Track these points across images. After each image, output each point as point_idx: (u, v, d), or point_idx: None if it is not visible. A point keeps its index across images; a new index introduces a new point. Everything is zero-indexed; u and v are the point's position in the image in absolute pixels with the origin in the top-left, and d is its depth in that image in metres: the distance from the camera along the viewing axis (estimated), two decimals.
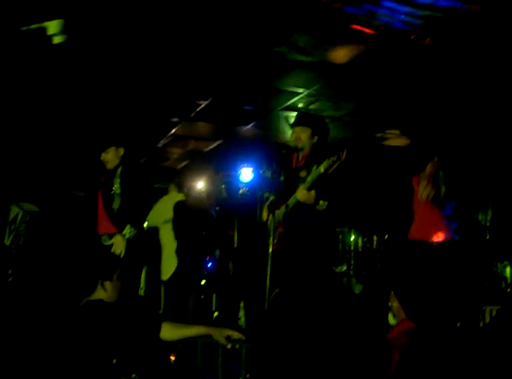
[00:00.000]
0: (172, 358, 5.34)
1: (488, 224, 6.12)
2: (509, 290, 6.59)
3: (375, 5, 4.74)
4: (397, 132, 4.27)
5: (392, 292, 2.56)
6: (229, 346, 3.19)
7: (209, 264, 7.42)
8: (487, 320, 4.68)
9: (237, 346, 4.37)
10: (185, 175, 7.21)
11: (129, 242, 4.79)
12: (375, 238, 7.98)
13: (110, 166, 5.02)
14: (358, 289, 7.35)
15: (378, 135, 4.23)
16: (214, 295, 7.26)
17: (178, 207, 6.30)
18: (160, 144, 9.16)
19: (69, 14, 4.83)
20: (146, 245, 5.78)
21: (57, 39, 4.90)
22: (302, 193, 4.17)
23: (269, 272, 3.99)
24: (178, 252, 6.18)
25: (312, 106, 7.27)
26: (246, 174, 8.62)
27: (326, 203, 4.18)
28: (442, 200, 4.67)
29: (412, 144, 5.42)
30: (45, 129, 7.93)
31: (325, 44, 5.54)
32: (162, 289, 6.66)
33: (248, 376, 4.15)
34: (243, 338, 3.15)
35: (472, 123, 6.81)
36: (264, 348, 3.77)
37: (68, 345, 3.13)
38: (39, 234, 5.87)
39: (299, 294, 4.15)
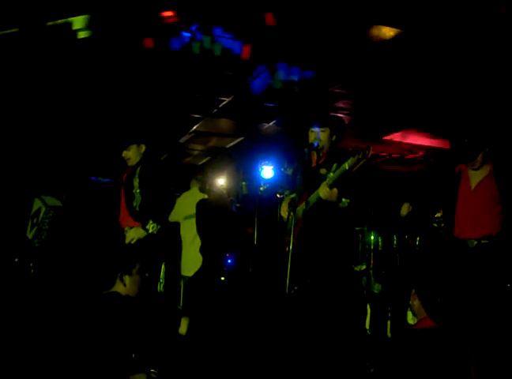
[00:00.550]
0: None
1: None
2: None
3: None
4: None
5: (413, 290, 2.54)
6: None
7: (229, 261, 7.42)
8: None
9: None
10: (206, 172, 7.21)
11: (151, 237, 4.82)
12: (395, 237, 7.93)
13: (131, 163, 5.04)
14: (377, 288, 7.31)
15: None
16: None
17: (201, 205, 6.31)
18: (181, 141, 9.20)
19: (94, 9, 4.87)
20: (166, 240, 5.81)
21: (82, 35, 4.95)
22: (325, 190, 4.15)
23: (288, 270, 3.99)
24: (202, 249, 6.20)
25: None
26: (267, 171, 8.61)
27: (348, 201, 4.17)
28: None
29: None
30: (69, 124, 8.01)
31: None
32: (182, 284, 6.69)
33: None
34: None
35: None
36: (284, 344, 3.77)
37: (86, 338, 3.15)
38: (62, 230, 5.91)
39: (319, 292, 4.15)
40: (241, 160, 9.12)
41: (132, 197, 4.95)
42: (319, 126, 4.45)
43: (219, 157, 9.49)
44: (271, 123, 8.25)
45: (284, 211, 4.57)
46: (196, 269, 6.19)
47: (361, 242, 8.41)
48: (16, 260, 5.83)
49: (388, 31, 5.34)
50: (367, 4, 4.94)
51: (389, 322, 6.53)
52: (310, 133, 4.48)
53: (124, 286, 3.38)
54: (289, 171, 4.55)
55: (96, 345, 3.10)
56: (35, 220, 5.85)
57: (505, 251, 4.14)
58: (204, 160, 10.38)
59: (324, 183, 4.17)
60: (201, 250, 6.19)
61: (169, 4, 5.05)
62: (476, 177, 4.39)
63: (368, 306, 6.89)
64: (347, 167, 4.05)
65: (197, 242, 6.24)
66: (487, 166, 4.36)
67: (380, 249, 8.10)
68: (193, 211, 6.32)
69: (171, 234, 6.34)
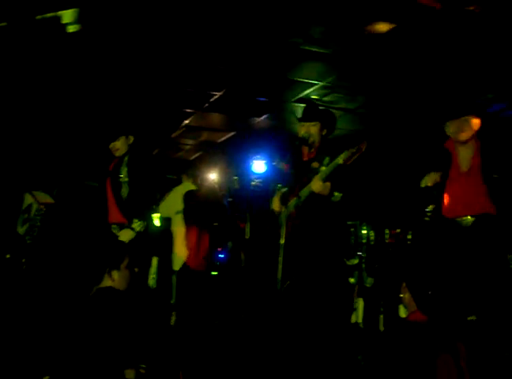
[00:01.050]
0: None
1: None
2: None
3: None
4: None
5: (403, 284, 2.53)
6: None
7: (221, 256, 7.43)
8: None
9: None
10: (198, 166, 7.19)
11: (138, 233, 4.81)
12: (387, 231, 7.95)
13: (118, 153, 5.02)
14: (369, 282, 7.33)
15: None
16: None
17: (188, 196, 6.29)
18: (172, 135, 9.17)
19: (84, 4, 4.83)
20: (158, 235, 5.79)
21: (71, 29, 4.90)
22: (317, 184, 4.13)
23: (280, 264, 3.98)
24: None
25: (326, 99, 7.25)
26: (259, 165, 8.61)
27: (341, 195, 4.15)
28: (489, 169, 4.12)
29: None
30: (59, 118, 7.96)
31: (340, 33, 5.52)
32: (174, 279, 6.67)
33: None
34: None
35: None
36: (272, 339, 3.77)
37: (77, 333, 3.13)
38: (54, 227, 5.88)
39: (310, 286, 4.14)
40: (233, 155, 9.12)
41: (119, 186, 4.92)
42: (309, 120, 4.43)
43: (211, 152, 9.47)
44: (262, 117, 8.24)
45: (275, 205, 4.56)
46: (182, 263, 6.19)
47: (353, 237, 8.43)
48: (8, 256, 5.80)
49: (382, 27, 5.35)
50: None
51: (381, 316, 6.55)
52: (300, 126, 4.46)
53: (113, 281, 3.36)
54: (281, 165, 4.52)
55: (86, 340, 3.09)
56: (26, 216, 5.81)
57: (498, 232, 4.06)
58: (195, 155, 10.35)
59: (317, 177, 4.15)
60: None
61: None
62: (465, 154, 4.26)
63: (361, 300, 6.90)
64: (340, 162, 4.03)
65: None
66: (476, 142, 4.24)
67: (372, 243, 8.12)
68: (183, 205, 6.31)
69: (163, 229, 6.33)
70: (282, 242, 4.06)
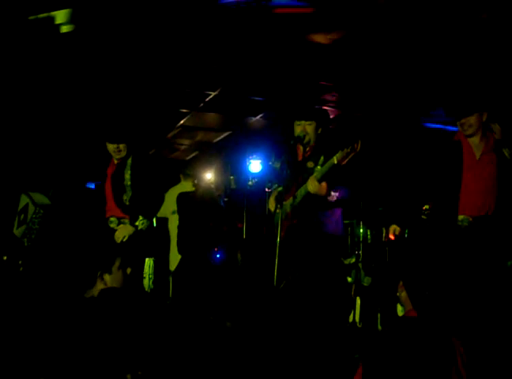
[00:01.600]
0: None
1: None
2: None
3: None
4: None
5: (400, 282, 2.52)
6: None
7: (218, 256, 7.40)
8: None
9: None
10: (193, 166, 7.18)
11: (138, 233, 4.76)
12: (384, 230, 7.93)
13: (121, 155, 4.94)
14: (367, 281, 7.32)
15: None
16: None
17: (182, 197, 6.28)
18: (168, 135, 9.16)
19: (78, 4, 4.82)
20: (155, 236, 5.76)
21: (65, 29, 4.89)
22: (313, 184, 4.12)
23: (276, 264, 3.97)
24: (186, 243, 6.17)
25: None
26: (255, 165, 8.59)
27: (337, 194, 4.13)
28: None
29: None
30: (53, 119, 7.94)
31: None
32: (170, 280, 6.66)
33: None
34: None
35: None
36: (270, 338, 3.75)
37: (71, 338, 3.10)
38: (53, 229, 5.83)
39: (307, 286, 4.13)
40: (229, 155, 9.10)
41: (122, 189, 4.87)
42: (305, 119, 4.41)
43: (206, 152, 9.46)
44: (258, 117, 8.23)
45: (271, 204, 4.55)
46: (176, 263, 6.19)
47: (350, 235, 8.42)
48: (5, 258, 5.76)
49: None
50: None
51: (379, 315, 6.53)
52: (295, 126, 4.44)
53: (105, 284, 3.30)
54: (277, 165, 4.51)
55: (82, 343, 3.06)
56: (22, 217, 5.76)
57: (499, 233, 4.03)
58: (191, 155, 10.34)
59: (312, 177, 4.14)
60: (182, 243, 6.16)
61: None
62: (476, 142, 4.20)
63: (358, 299, 6.89)
64: (335, 161, 4.02)
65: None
66: (489, 138, 4.18)
67: (369, 242, 8.11)
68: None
69: (160, 230, 6.31)
70: (278, 241, 4.05)
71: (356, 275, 7.34)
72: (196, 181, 6.62)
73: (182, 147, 9.92)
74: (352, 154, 3.98)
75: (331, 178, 4.12)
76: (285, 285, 4.13)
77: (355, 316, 6.73)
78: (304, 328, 4.04)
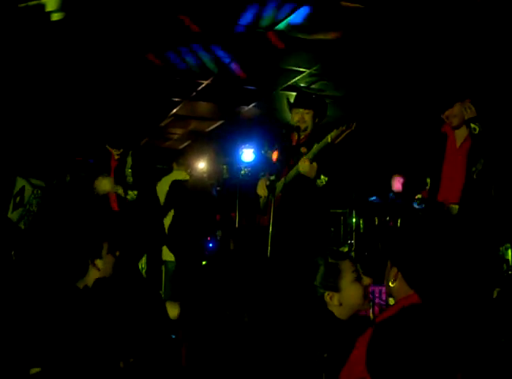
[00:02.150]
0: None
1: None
2: (510, 272, 6.55)
3: None
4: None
5: (392, 272, 2.51)
6: None
7: (210, 245, 7.41)
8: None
9: None
10: (186, 156, 7.16)
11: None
12: (377, 219, 7.96)
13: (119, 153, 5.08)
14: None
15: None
16: None
17: (175, 185, 6.26)
18: (161, 124, 9.13)
19: None
20: (147, 225, 5.77)
21: (55, 17, 4.85)
22: (304, 164, 4.10)
23: (269, 252, 3.96)
24: (179, 232, 6.16)
25: (313, 86, 7.22)
26: (248, 154, 8.59)
27: (327, 179, 4.12)
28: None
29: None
30: (51, 109, 7.90)
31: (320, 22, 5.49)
32: (163, 269, 6.66)
33: None
34: None
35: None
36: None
37: (65, 327, 3.08)
38: (51, 212, 5.77)
39: (298, 273, 4.12)
40: (221, 144, 9.09)
41: (125, 185, 5.04)
42: (304, 108, 4.40)
43: (199, 141, 9.44)
44: (251, 106, 8.21)
45: (260, 189, 4.53)
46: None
47: (343, 225, 8.45)
48: None
49: None
50: None
51: (371, 303, 6.56)
52: (294, 113, 4.43)
53: (98, 270, 3.30)
54: (269, 154, 4.50)
55: (77, 332, 3.05)
56: (18, 199, 5.67)
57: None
58: (184, 144, 10.33)
59: (304, 157, 4.12)
60: (175, 232, 6.15)
61: None
62: (460, 134, 4.27)
63: None
64: (329, 140, 4.01)
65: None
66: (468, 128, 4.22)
67: (361, 231, 8.14)
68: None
69: (151, 219, 6.30)
70: (270, 229, 4.04)
71: None
72: (189, 171, 6.60)
73: (175, 136, 9.90)
74: (347, 132, 3.98)
75: (323, 160, 4.11)
76: (277, 271, 4.11)
77: None
78: (294, 317, 4.04)
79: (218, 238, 7.49)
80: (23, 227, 5.49)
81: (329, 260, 2.81)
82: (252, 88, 7.50)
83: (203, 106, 8.31)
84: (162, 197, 6.38)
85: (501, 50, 5.86)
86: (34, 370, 3.01)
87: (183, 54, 6.32)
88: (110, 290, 3.24)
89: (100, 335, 3.02)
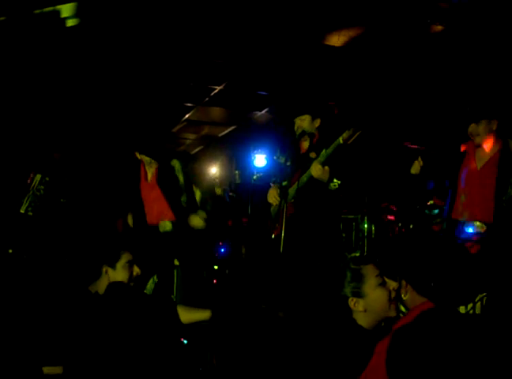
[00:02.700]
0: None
1: None
2: None
3: None
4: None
5: (404, 282, 2.50)
6: None
7: (222, 250, 7.42)
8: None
9: None
10: (199, 161, 7.19)
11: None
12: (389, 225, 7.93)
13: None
14: None
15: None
16: None
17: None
18: (173, 130, 9.16)
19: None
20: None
21: (70, 23, 4.89)
22: (316, 168, 4.10)
23: (281, 256, 3.96)
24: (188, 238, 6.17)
25: None
26: (260, 159, 8.59)
27: (339, 182, 4.11)
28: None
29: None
30: (56, 113, 7.93)
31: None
32: (175, 274, 6.66)
33: None
34: None
35: None
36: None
37: (71, 330, 3.06)
38: (57, 198, 5.69)
39: (310, 279, 4.12)
40: (234, 149, 9.11)
41: (179, 192, 4.99)
42: (298, 115, 4.42)
43: (211, 146, 9.47)
44: (263, 111, 8.22)
45: (270, 197, 4.53)
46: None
47: (355, 231, 8.41)
48: (10, 251, 5.70)
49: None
50: None
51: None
52: (295, 121, 4.47)
53: (108, 280, 3.24)
54: (282, 160, 4.50)
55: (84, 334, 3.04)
56: (30, 192, 5.60)
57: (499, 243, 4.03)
58: (197, 149, 10.35)
59: (316, 161, 4.12)
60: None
61: None
62: (482, 157, 4.20)
63: None
64: (341, 141, 4.01)
65: None
66: (496, 145, 4.16)
67: (373, 236, 8.10)
68: None
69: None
70: (282, 234, 4.03)
71: None
72: (199, 177, 6.62)
73: (188, 141, 9.93)
74: (358, 133, 3.97)
75: (335, 162, 4.11)
76: (289, 277, 4.10)
77: None
78: (306, 322, 4.04)
79: (230, 243, 7.50)
80: (29, 213, 5.40)
81: (352, 266, 2.80)
82: (264, 93, 7.52)
83: (216, 112, 8.33)
84: None
85: None
86: (47, 369, 3.02)
87: None
88: (121, 295, 3.21)
89: (108, 338, 3.00)
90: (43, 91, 7.26)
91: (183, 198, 4.95)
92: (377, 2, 5.09)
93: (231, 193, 7.86)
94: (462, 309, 3.76)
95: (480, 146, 4.18)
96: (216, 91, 7.38)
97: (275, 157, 4.74)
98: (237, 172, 8.50)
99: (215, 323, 3.26)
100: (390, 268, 2.82)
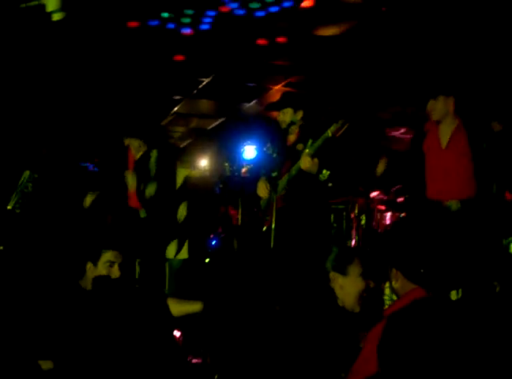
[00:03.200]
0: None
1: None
2: None
3: None
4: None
5: (394, 271, 2.52)
6: None
7: (213, 242, 7.42)
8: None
9: None
10: (188, 153, 7.18)
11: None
12: (378, 215, 7.96)
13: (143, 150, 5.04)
14: None
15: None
16: None
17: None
18: (162, 123, 9.13)
19: None
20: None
21: (56, 17, 4.85)
22: (306, 161, 4.12)
23: (272, 248, 3.97)
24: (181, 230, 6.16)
25: None
26: (250, 151, 8.59)
27: (329, 173, 4.13)
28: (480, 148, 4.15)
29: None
30: (48, 108, 7.90)
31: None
32: (167, 266, 6.66)
33: None
34: None
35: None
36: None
37: (62, 324, 3.05)
38: (45, 195, 5.67)
39: (301, 271, 4.13)
40: (223, 141, 9.10)
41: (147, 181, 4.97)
42: (279, 108, 4.47)
43: (201, 139, 9.45)
44: (252, 102, 8.21)
45: (260, 190, 4.54)
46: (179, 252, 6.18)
47: (345, 220, 8.43)
48: (1, 247, 5.66)
49: None
50: None
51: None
52: (278, 114, 4.50)
53: (91, 276, 3.21)
54: (271, 151, 4.52)
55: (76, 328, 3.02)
56: (19, 188, 5.59)
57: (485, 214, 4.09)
58: (186, 142, 10.33)
59: (305, 153, 4.14)
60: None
61: None
62: (445, 133, 4.27)
63: None
64: (329, 134, 4.04)
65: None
66: (455, 119, 4.26)
67: (364, 227, 8.12)
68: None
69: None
70: (273, 226, 4.05)
71: None
72: (192, 168, 6.61)
73: (177, 134, 9.91)
74: (346, 126, 3.99)
75: (324, 154, 4.13)
76: (279, 271, 4.12)
77: None
78: (299, 313, 4.04)
79: (220, 235, 7.50)
80: (17, 210, 5.38)
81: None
82: (253, 84, 7.52)
83: (204, 104, 8.32)
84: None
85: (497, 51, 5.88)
86: (43, 364, 3.01)
87: None
88: (108, 288, 3.19)
89: (99, 332, 2.98)
90: (30, 87, 7.22)
91: (150, 190, 4.94)
92: None
93: (221, 185, 7.86)
94: (453, 295, 3.80)
95: (440, 123, 4.27)
96: (204, 83, 7.36)
97: (264, 149, 4.75)
98: (227, 164, 8.49)
99: (207, 316, 3.26)
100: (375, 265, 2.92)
